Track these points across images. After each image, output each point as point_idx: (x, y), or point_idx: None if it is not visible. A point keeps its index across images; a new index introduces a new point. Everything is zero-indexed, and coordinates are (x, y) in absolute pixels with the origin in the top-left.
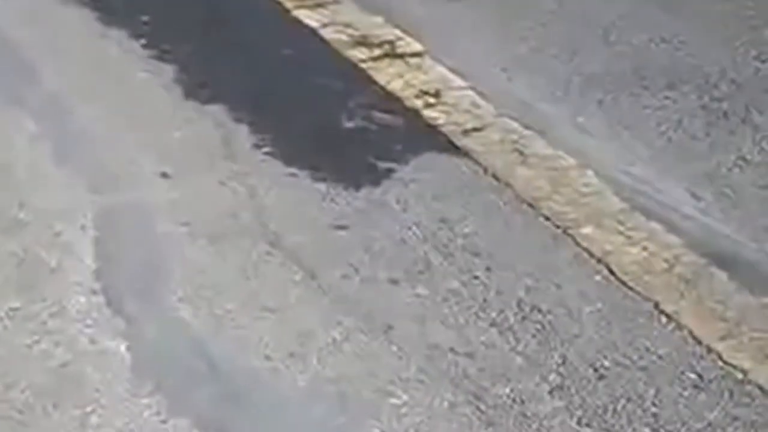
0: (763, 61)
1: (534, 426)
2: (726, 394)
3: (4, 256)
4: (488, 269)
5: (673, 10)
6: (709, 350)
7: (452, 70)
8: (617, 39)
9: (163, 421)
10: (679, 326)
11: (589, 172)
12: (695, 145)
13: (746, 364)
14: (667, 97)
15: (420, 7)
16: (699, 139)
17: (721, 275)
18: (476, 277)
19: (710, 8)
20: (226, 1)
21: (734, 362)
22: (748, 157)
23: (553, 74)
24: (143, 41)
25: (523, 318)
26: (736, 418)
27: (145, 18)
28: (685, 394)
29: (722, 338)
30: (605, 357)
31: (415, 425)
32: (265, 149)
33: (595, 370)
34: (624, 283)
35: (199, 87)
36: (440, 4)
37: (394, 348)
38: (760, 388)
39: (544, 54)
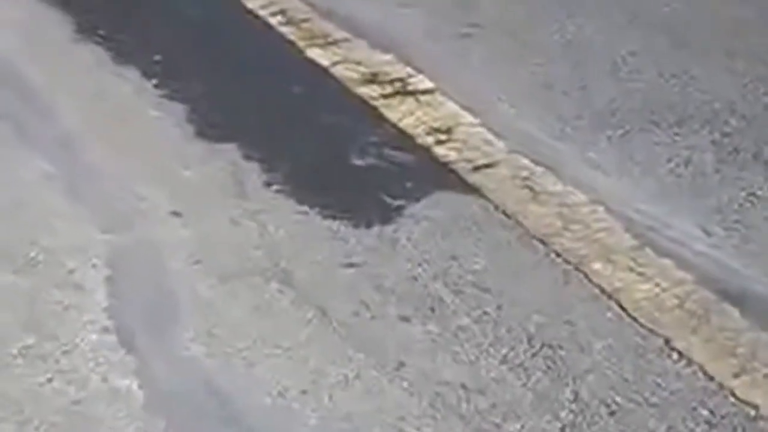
0: None
1: None
2: (738, 431)
3: (16, 295)
4: (499, 306)
5: (682, 46)
6: (721, 386)
7: (463, 107)
8: (627, 75)
9: None
10: (691, 362)
11: (600, 209)
12: (706, 180)
13: (758, 401)
14: (677, 133)
15: (430, 44)
16: (709, 174)
17: (733, 311)
18: (487, 314)
19: (719, 44)
20: (238, 40)
21: (746, 398)
22: (759, 192)
23: (563, 110)
24: (155, 80)
25: (534, 354)
26: None
27: (157, 57)
28: (698, 430)
29: (734, 374)
30: (617, 393)
31: None
32: (276, 187)
33: (607, 406)
34: (635, 319)
35: (210, 125)
36: (451, 40)
37: (405, 384)
38: None
39: (553, 90)
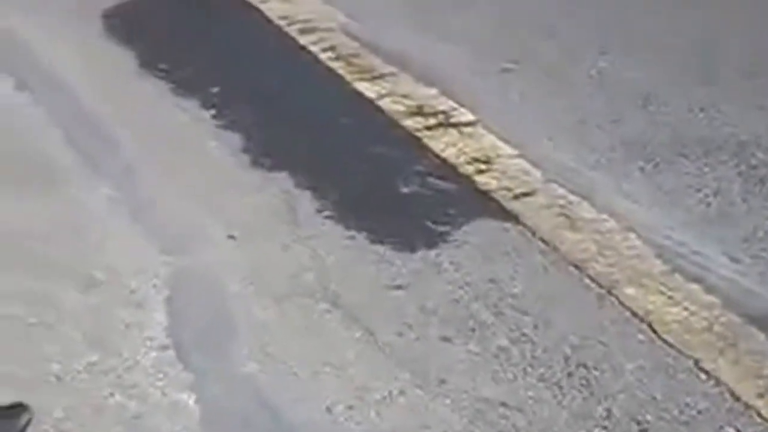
0: None
1: None
2: None
3: (82, 313)
4: (536, 327)
5: (709, 81)
6: (748, 407)
7: (502, 139)
8: (657, 109)
9: None
10: (719, 383)
11: (632, 236)
12: (733, 210)
13: None
14: (705, 165)
15: (473, 79)
16: (736, 204)
17: (759, 335)
18: (525, 335)
19: (746, 80)
20: (291, 73)
21: None
22: None
23: (597, 143)
24: (213, 111)
25: (570, 374)
26: None
27: (214, 89)
28: None
29: (760, 395)
30: (648, 411)
31: None
32: (326, 213)
33: (638, 423)
34: (665, 341)
35: (264, 155)
36: (491, 75)
37: (447, 401)
38: None
39: (587, 123)
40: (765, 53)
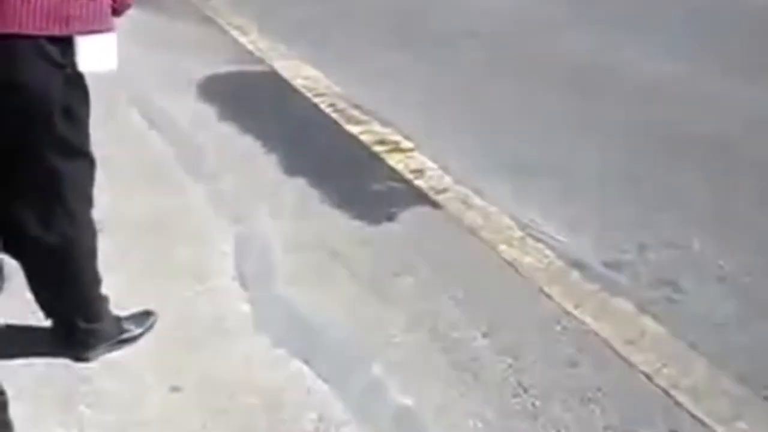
0: None
1: None
2: None
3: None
4: (433, 269)
5: None
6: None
7: (430, 159)
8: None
9: None
10: (551, 298)
11: (504, 215)
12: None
13: None
14: None
15: (414, 120)
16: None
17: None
18: (413, 267)
19: None
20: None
21: None
22: None
23: (491, 162)
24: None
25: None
26: None
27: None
28: None
29: (576, 305)
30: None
31: None
32: (324, 200)
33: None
34: (523, 276)
35: (283, 156)
36: (424, 116)
37: None
38: None
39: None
40: None
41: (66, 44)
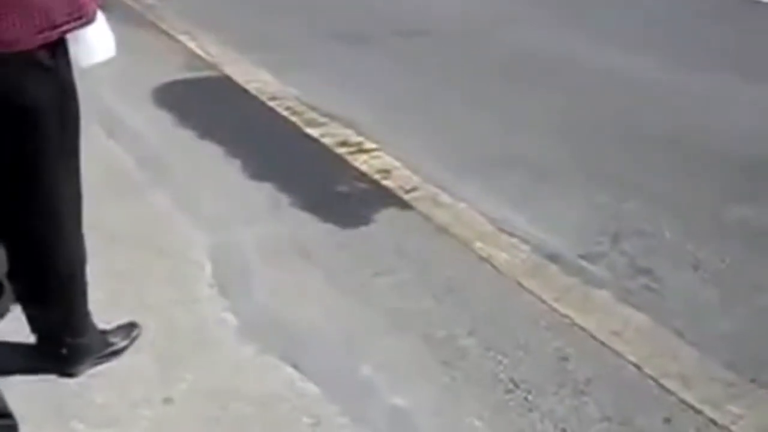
0: None
1: None
2: None
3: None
4: (412, 260)
5: None
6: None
7: (396, 159)
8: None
9: None
10: (533, 294)
11: (475, 212)
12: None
13: None
14: None
15: (374, 120)
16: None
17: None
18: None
19: None
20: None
21: None
22: None
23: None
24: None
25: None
26: None
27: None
28: None
29: (556, 299)
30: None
31: None
32: (292, 203)
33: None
34: (500, 272)
35: (253, 162)
36: (384, 116)
37: None
38: None
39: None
40: None
41: (54, 45)
